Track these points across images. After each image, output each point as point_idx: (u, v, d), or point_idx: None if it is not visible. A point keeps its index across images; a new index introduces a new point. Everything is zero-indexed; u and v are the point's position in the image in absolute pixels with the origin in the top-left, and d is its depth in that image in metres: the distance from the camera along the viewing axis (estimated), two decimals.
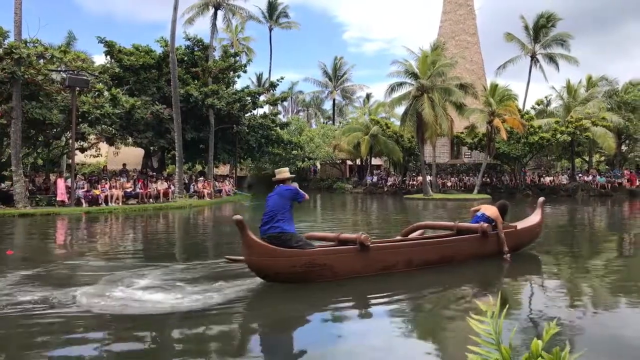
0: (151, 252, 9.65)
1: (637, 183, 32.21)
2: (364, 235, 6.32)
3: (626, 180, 31.91)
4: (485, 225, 7.52)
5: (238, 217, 5.60)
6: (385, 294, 5.85)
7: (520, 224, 8.59)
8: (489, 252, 7.64)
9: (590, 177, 33.02)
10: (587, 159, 39.53)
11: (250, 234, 5.73)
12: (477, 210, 8.17)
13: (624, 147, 36.95)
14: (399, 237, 8.07)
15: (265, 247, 5.73)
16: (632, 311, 5.28)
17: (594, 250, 9.99)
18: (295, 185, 6.33)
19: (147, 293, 5.60)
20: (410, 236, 8.08)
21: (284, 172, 6.41)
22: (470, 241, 7.51)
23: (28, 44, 18.91)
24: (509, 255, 7.60)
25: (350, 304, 5.61)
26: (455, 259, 7.24)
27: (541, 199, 9.47)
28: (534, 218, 8.86)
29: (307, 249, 6.01)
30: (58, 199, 18.55)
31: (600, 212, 20.58)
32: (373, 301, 5.66)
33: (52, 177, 21.55)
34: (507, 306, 4.94)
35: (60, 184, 18.92)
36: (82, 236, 12.60)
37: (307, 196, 6.29)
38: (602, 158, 41.44)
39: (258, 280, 6.12)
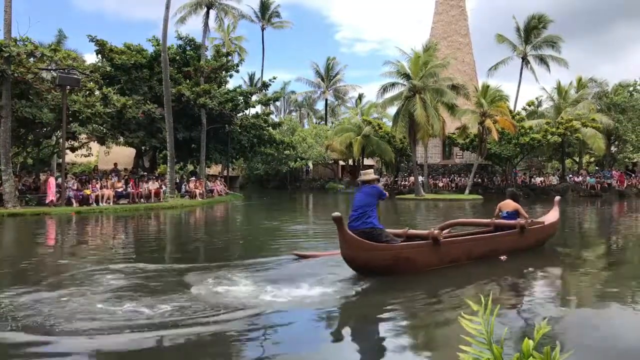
0: (142, 254, 9.59)
1: (626, 184, 32.55)
2: (436, 231, 6.88)
3: (614, 181, 32.24)
4: (523, 221, 8.24)
5: (336, 214, 5.88)
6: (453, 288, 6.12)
7: (546, 220, 9.21)
8: (526, 246, 8.35)
9: (581, 178, 33.33)
10: (577, 159, 39.89)
11: (347, 230, 6.10)
12: (500, 211, 8.88)
13: (613, 148, 37.33)
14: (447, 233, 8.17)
15: (360, 242, 6.12)
16: (622, 311, 5.32)
17: (586, 250, 10.04)
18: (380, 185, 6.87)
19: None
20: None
21: (369, 174, 6.99)
22: (512, 236, 8.17)
23: (18, 42, 18.72)
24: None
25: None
26: (499, 253, 7.77)
27: (557, 197, 10.42)
28: (554, 215, 9.60)
29: (394, 244, 6.47)
30: (48, 199, 18.37)
31: (591, 212, 20.76)
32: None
33: (42, 176, 21.36)
34: (498, 306, 4.99)
35: (52, 183, 18.74)
36: (70, 236, 12.50)
37: (387, 194, 6.92)
38: (592, 159, 41.86)
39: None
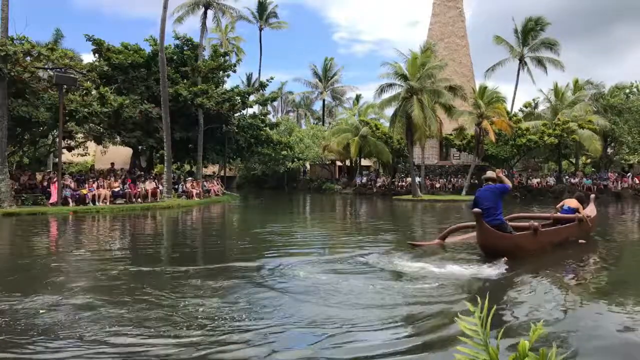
0: (140, 254, 9.56)
1: (622, 185, 32.63)
2: (536, 223, 8.60)
3: (611, 182, 32.31)
4: (580, 215, 9.86)
5: (477, 210, 7.47)
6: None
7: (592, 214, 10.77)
8: (581, 235, 9.92)
9: (577, 179, 33.44)
10: (573, 161, 39.99)
11: (485, 223, 7.55)
12: (562, 205, 10.41)
13: (609, 150, 37.42)
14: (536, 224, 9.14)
15: (494, 232, 7.71)
16: (620, 312, 5.32)
17: (587, 250, 9.97)
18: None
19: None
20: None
21: (492, 174, 8.52)
22: (575, 227, 9.77)
23: (15, 41, 18.66)
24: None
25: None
26: (567, 241, 9.41)
27: (592, 195, 12.25)
28: (591, 210, 10.99)
29: (514, 234, 8.09)
30: (51, 200, 18.31)
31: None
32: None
33: (38, 175, 21.29)
34: (494, 306, 4.99)
35: (54, 188, 18.64)
36: (66, 236, 12.45)
37: (509, 185, 8.22)
38: (588, 160, 41.96)
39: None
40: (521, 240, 8.17)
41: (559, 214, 10.09)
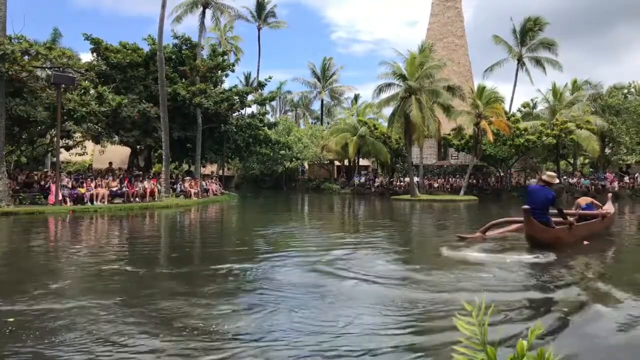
0: (141, 255, 9.53)
1: (620, 185, 32.69)
2: (572, 219, 9.77)
3: (609, 182, 32.35)
4: (604, 211, 11.10)
5: (526, 207, 8.54)
6: None
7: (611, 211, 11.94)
8: (602, 230, 11.00)
9: (575, 180, 33.49)
10: (571, 161, 40.05)
11: (532, 218, 8.65)
12: (579, 204, 11.38)
13: (607, 150, 37.49)
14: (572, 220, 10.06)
15: (539, 226, 8.84)
16: (621, 312, 5.32)
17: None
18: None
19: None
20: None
21: (554, 178, 9.57)
22: (599, 222, 10.88)
23: (13, 40, 18.61)
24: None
25: None
26: (593, 236, 10.31)
27: (610, 194, 14.15)
28: (609, 206, 12.17)
29: (555, 228, 9.15)
30: (49, 200, 18.26)
31: None
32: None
33: (36, 175, 21.24)
34: (492, 306, 4.98)
35: (53, 187, 18.59)
36: (65, 235, 12.43)
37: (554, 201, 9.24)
38: (586, 161, 42.04)
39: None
40: (560, 233, 9.28)
41: (584, 211, 11.09)
